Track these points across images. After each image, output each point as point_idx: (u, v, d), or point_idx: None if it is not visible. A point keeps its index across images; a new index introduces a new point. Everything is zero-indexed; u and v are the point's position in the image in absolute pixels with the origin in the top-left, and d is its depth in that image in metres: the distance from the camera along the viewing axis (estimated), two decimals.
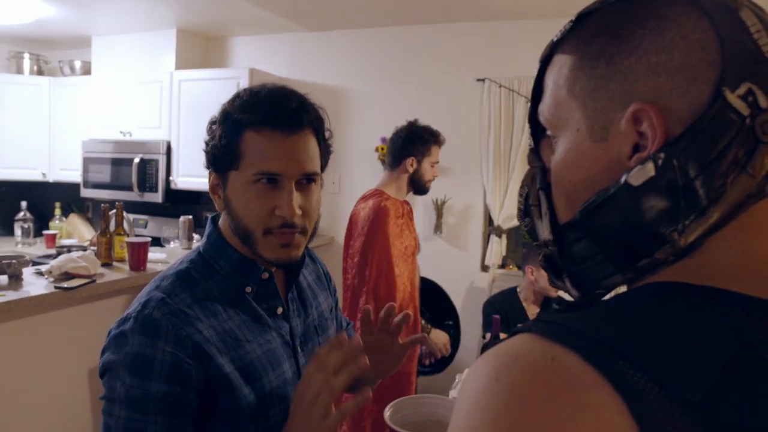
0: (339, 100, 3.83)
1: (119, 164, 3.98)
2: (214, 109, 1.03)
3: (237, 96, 1.00)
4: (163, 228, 4.09)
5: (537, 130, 0.58)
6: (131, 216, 4.15)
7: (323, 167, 1.06)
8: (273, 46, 4.00)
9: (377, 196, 2.38)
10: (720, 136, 0.42)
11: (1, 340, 2.24)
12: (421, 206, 3.59)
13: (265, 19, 3.63)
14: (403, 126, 2.49)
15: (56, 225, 4.36)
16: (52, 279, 2.43)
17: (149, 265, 2.75)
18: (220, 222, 1.07)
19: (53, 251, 3.58)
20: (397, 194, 2.43)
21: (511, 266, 3.57)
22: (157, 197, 3.86)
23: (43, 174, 4.37)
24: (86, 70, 4.31)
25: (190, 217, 3.57)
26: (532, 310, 2.88)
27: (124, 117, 4.02)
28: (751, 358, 0.38)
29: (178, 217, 3.69)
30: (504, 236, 3.41)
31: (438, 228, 3.59)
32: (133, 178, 3.88)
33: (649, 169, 0.44)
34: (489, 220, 3.55)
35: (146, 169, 3.88)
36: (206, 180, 1.06)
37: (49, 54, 4.65)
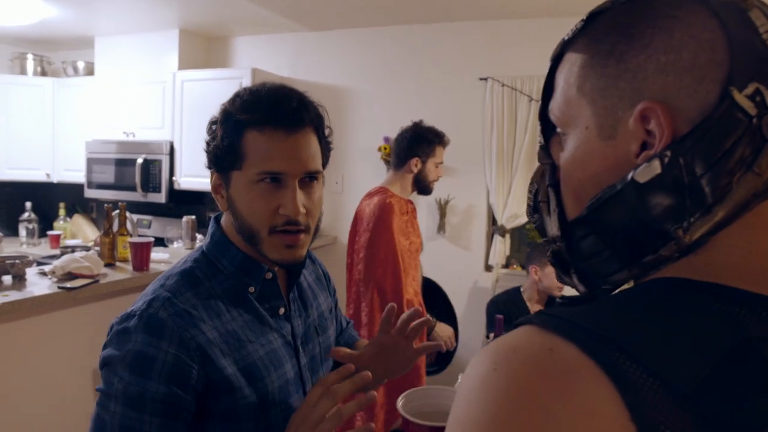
0: (341, 99, 3.82)
1: (123, 165, 3.99)
2: (216, 110, 1.03)
3: (237, 96, 1.00)
4: (166, 228, 4.09)
5: (547, 127, 0.58)
6: (135, 216, 4.16)
7: (324, 165, 1.06)
8: (275, 45, 4.00)
9: (382, 193, 2.42)
10: (727, 135, 0.43)
11: (5, 340, 2.25)
12: (424, 206, 3.58)
13: (267, 19, 3.63)
14: (409, 127, 2.52)
15: (60, 225, 4.37)
16: (55, 279, 2.44)
17: (152, 266, 2.75)
18: (223, 221, 1.07)
19: (57, 251, 3.59)
20: (401, 193, 2.47)
21: (514, 266, 3.56)
22: (161, 197, 3.87)
23: (47, 175, 4.38)
24: (89, 71, 4.32)
25: (193, 217, 3.57)
26: (536, 310, 2.87)
27: (127, 117, 4.03)
28: (749, 354, 0.38)
29: (182, 217, 3.70)
30: (507, 236, 3.40)
31: (441, 228, 3.59)
32: (136, 179, 3.89)
33: (656, 167, 0.45)
34: (492, 220, 3.54)
35: (149, 169, 3.88)
36: (209, 180, 1.06)
37: (52, 55, 4.66)
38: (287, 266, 1.03)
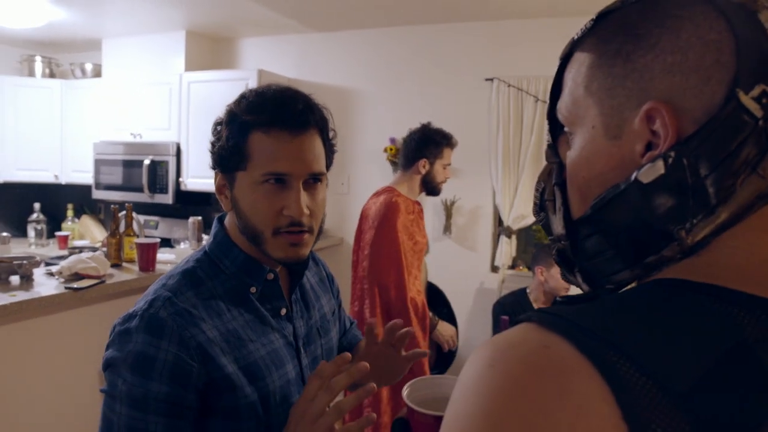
0: (347, 100, 3.83)
1: (130, 166, 4.01)
2: (223, 111, 1.04)
3: (243, 97, 1.01)
4: (173, 229, 4.11)
5: (555, 126, 0.59)
6: (142, 217, 4.18)
7: (328, 167, 1.06)
8: (281, 47, 4.01)
9: (389, 192, 2.45)
10: (732, 136, 0.43)
11: (13, 340, 2.27)
12: (430, 207, 3.58)
13: (273, 20, 3.64)
14: (417, 128, 2.55)
15: (68, 226, 4.40)
16: (62, 279, 2.45)
17: (158, 266, 2.77)
18: (227, 222, 1.07)
19: (65, 252, 3.61)
20: (408, 193, 2.49)
21: (521, 267, 3.55)
22: (168, 198, 3.88)
23: (56, 176, 4.40)
24: (97, 73, 4.35)
25: (200, 218, 3.58)
26: None
27: (135, 119, 4.05)
28: (746, 356, 0.38)
29: (188, 218, 3.71)
30: (514, 237, 3.39)
31: (447, 229, 3.58)
32: (143, 180, 3.90)
33: (659, 167, 0.45)
34: (498, 221, 3.53)
35: (156, 170, 3.90)
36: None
37: (60, 57, 4.70)
38: (290, 265, 1.04)
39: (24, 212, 4.33)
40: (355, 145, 3.81)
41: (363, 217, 2.49)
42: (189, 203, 3.98)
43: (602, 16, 0.52)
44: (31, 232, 4.15)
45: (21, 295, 2.23)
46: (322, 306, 1.19)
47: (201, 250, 1.07)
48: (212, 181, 1.05)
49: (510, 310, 2.85)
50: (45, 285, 2.41)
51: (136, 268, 2.74)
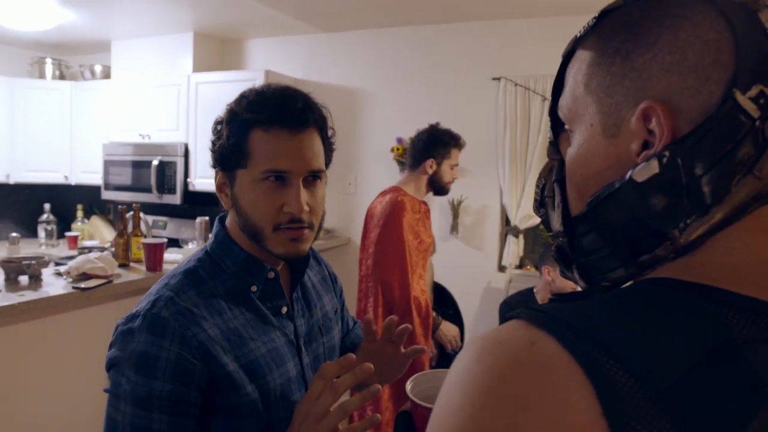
0: (354, 100, 3.83)
1: (139, 167, 4.03)
2: (223, 110, 1.05)
3: (243, 96, 1.02)
4: (181, 229, 4.13)
5: (557, 123, 0.59)
6: (151, 218, 4.21)
7: (327, 164, 1.07)
8: (288, 47, 4.02)
9: (395, 191, 2.45)
10: (728, 137, 0.43)
11: (21, 339, 2.29)
12: (437, 206, 3.57)
13: (280, 21, 3.65)
14: (425, 128, 2.56)
15: (78, 227, 4.43)
16: (70, 279, 2.47)
17: (165, 266, 2.78)
18: (228, 221, 1.08)
19: (75, 252, 3.64)
20: (415, 193, 2.49)
21: (528, 266, 3.54)
22: (176, 199, 3.90)
23: (66, 177, 4.44)
24: (106, 74, 4.38)
25: (207, 218, 3.60)
26: None
27: (143, 120, 4.08)
28: (731, 355, 0.38)
29: (196, 218, 3.73)
30: (521, 236, 3.38)
31: (454, 228, 3.57)
32: (152, 181, 3.93)
33: (654, 167, 0.45)
34: (506, 220, 3.52)
35: (165, 171, 3.92)
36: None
37: (70, 59, 4.74)
38: (291, 260, 1.05)
39: (34, 213, 4.37)
40: (362, 145, 3.81)
41: (369, 216, 2.49)
42: (197, 203, 3.99)
43: (604, 14, 0.52)
44: (41, 233, 4.18)
45: (29, 295, 2.25)
46: (324, 305, 1.20)
47: (202, 250, 1.08)
48: None
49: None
50: (53, 285, 2.43)
51: (143, 268, 2.76)
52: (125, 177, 4.11)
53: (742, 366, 0.38)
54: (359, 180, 3.85)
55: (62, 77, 4.57)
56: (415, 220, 2.42)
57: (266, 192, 0.97)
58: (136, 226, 2.89)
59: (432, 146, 2.48)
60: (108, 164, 4.18)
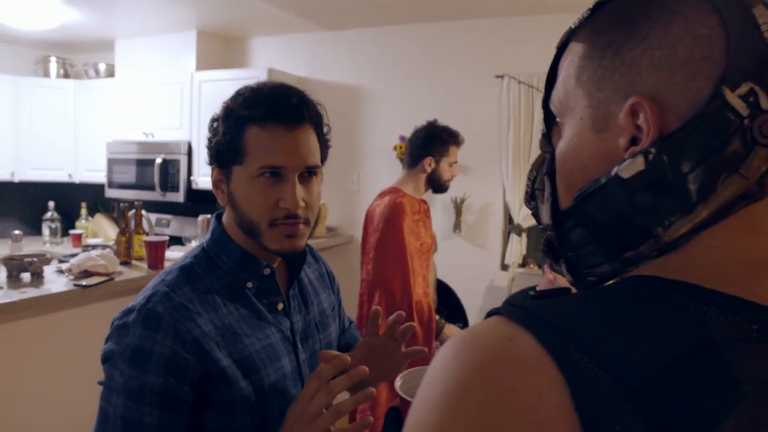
0: (357, 98, 3.82)
1: (142, 165, 4.04)
2: (219, 108, 1.06)
3: (238, 93, 1.03)
4: (184, 227, 4.14)
5: (549, 116, 0.58)
6: (154, 216, 4.22)
7: (323, 161, 1.08)
8: (291, 46, 4.02)
9: (393, 193, 2.40)
10: (715, 135, 0.42)
11: (23, 336, 2.29)
12: (440, 205, 3.57)
13: (283, 19, 3.64)
14: (423, 126, 2.50)
15: (82, 225, 4.45)
16: (72, 277, 2.48)
17: (167, 264, 2.78)
18: (224, 218, 1.09)
19: (79, 250, 3.65)
20: (414, 192, 2.44)
21: (531, 265, 3.52)
22: (179, 197, 3.91)
23: (70, 175, 4.46)
24: (110, 73, 4.40)
25: (209, 216, 3.60)
26: None
27: (147, 118, 4.09)
28: (708, 353, 0.38)
29: (199, 216, 3.74)
30: (524, 235, 3.36)
31: (457, 227, 3.56)
32: (155, 179, 3.93)
33: (639, 163, 0.45)
34: (509, 219, 3.51)
35: (168, 169, 3.93)
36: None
37: (74, 57, 4.75)
38: (287, 256, 1.05)
39: (39, 211, 4.39)
40: (365, 143, 3.81)
41: (368, 218, 2.45)
42: (200, 201, 4.00)
43: (599, 6, 0.51)
44: (45, 231, 4.20)
45: (31, 292, 2.26)
46: (322, 302, 1.20)
47: (199, 247, 1.09)
48: None
49: None
50: (55, 282, 2.43)
51: (145, 265, 2.76)
52: (129, 175, 4.12)
53: (720, 364, 0.38)
54: (362, 178, 3.84)
55: (66, 76, 4.59)
56: (415, 221, 2.38)
57: (262, 188, 0.98)
58: (138, 223, 2.89)
59: (430, 144, 2.43)
60: (112, 162, 4.19)
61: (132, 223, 2.90)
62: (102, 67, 4.44)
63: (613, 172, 0.46)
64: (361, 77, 3.82)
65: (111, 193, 4.24)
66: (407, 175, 2.49)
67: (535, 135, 3.29)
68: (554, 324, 0.40)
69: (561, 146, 0.54)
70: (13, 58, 4.49)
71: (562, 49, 0.55)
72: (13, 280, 2.42)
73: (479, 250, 3.56)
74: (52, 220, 4.21)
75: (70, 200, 4.66)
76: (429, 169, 2.44)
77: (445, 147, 2.45)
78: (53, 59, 4.51)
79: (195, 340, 0.92)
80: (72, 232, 4.04)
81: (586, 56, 0.50)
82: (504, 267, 3.50)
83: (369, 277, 2.35)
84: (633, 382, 0.37)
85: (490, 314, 0.45)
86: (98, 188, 4.41)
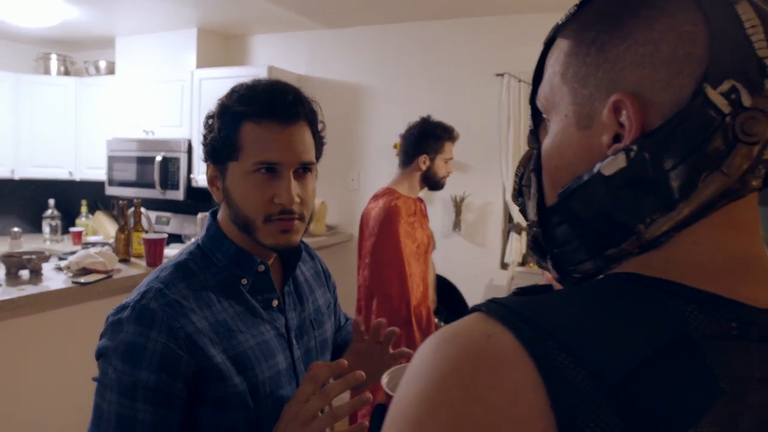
0: (357, 96, 3.82)
1: (143, 162, 4.04)
2: (214, 105, 1.06)
3: (234, 90, 1.03)
4: (184, 225, 4.14)
5: (537, 113, 0.58)
6: (154, 213, 4.22)
7: (318, 157, 1.09)
8: (291, 43, 4.01)
9: (388, 195, 2.36)
10: (697, 132, 0.42)
11: (21, 333, 2.29)
12: (439, 203, 3.56)
13: (284, 17, 3.64)
14: (416, 122, 2.45)
15: (83, 222, 4.46)
16: (70, 274, 2.48)
17: (165, 261, 2.78)
18: (219, 216, 1.10)
19: (79, 248, 3.65)
20: (409, 192, 2.40)
21: (530, 264, 3.51)
22: (179, 195, 3.91)
23: (70, 173, 4.46)
24: (111, 70, 4.39)
25: (208, 213, 3.60)
26: None
27: (147, 116, 4.08)
28: (686, 350, 0.38)
29: (198, 214, 3.74)
30: (524, 234, 3.36)
31: (457, 225, 3.56)
32: (155, 176, 3.93)
33: (621, 161, 0.45)
34: (509, 218, 3.50)
35: (168, 167, 3.92)
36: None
37: (75, 55, 4.75)
38: (282, 251, 1.06)
39: (39, 208, 4.39)
40: (365, 141, 3.80)
41: (363, 221, 2.40)
42: (200, 199, 4.00)
43: (585, 2, 0.51)
44: (45, 228, 4.20)
45: (29, 289, 2.26)
46: (317, 299, 1.20)
47: (194, 243, 1.10)
48: None
49: None
50: (53, 279, 2.43)
51: (144, 263, 2.76)
52: (129, 173, 4.12)
53: (698, 362, 0.38)
54: (362, 176, 3.84)
55: (67, 73, 4.58)
56: (410, 223, 2.33)
57: (257, 184, 0.98)
58: (138, 221, 2.89)
59: (424, 141, 2.37)
60: (112, 160, 4.19)
61: (131, 221, 2.90)
62: (102, 64, 4.44)
63: (595, 169, 0.46)
64: (361, 75, 3.81)
65: (111, 190, 4.24)
66: (402, 175, 2.44)
67: None
68: (533, 321, 0.40)
69: (546, 143, 0.54)
70: (14, 55, 4.49)
71: (549, 45, 0.55)
72: (12, 277, 2.42)
73: (479, 248, 3.56)
74: (52, 217, 4.21)
75: (71, 198, 4.66)
76: (424, 167, 2.38)
77: (440, 143, 2.39)
78: (54, 56, 4.50)
79: (188, 336, 0.92)
80: (72, 229, 4.05)
81: (571, 53, 0.50)
82: (504, 266, 3.50)
83: (366, 283, 2.30)
84: (609, 379, 0.37)
85: (471, 311, 0.45)
86: (98, 186, 4.41)
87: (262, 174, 0.98)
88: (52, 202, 4.24)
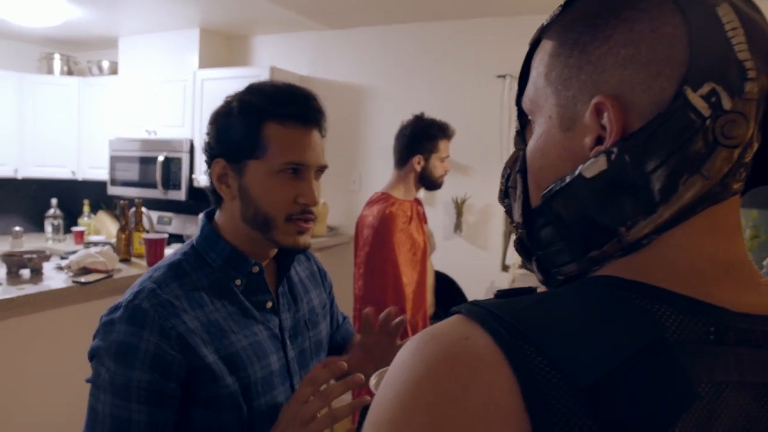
0: (359, 97, 3.82)
1: (145, 162, 4.04)
2: (222, 103, 1.07)
3: (253, 89, 1.04)
4: (186, 225, 4.14)
5: (523, 114, 0.58)
6: (156, 213, 4.22)
7: None
8: (293, 44, 4.01)
9: (383, 201, 2.26)
10: (677, 135, 0.42)
11: (21, 333, 2.30)
12: (440, 205, 3.56)
13: (286, 18, 3.64)
14: (409, 121, 2.33)
15: (85, 222, 4.46)
16: (71, 274, 2.48)
17: (160, 261, 2.78)
18: (217, 216, 1.10)
19: (81, 247, 3.66)
20: (405, 195, 2.31)
21: None
22: (181, 195, 3.91)
23: (73, 172, 4.47)
24: (113, 70, 4.40)
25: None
26: None
27: (150, 116, 4.09)
28: (662, 355, 0.38)
29: (199, 214, 3.74)
30: None
31: (458, 227, 3.55)
32: (157, 176, 3.94)
33: (602, 163, 0.45)
34: (510, 220, 3.49)
35: (170, 167, 3.93)
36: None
37: (78, 55, 4.77)
38: (295, 251, 1.09)
39: (41, 208, 4.40)
40: (367, 143, 3.80)
41: (358, 229, 2.30)
42: (201, 199, 3.99)
43: (569, 4, 0.51)
44: (48, 228, 4.21)
45: (29, 289, 2.26)
46: (312, 299, 1.20)
47: (189, 244, 1.09)
48: None
49: None
50: (54, 279, 2.44)
51: (144, 263, 2.77)
52: (131, 173, 4.12)
53: (674, 365, 0.38)
54: (364, 177, 3.84)
55: (70, 73, 4.60)
56: (406, 231, 2.23)
57: (282, 183, 1.00)
58: (139, 221, 2.90)
59: (417, 141, 2.26)
60: (114, 160, 4.20)
61: (132, 221, 2.90)
62: (105, 64, 4.45)
63: (577, 171, 0.46)
64: (363, 76, 3.81)
65: (113, 190, 4.24)
66: (397, 178, 2.34)
67: None
68: (511, 323, 0.40)
69: (531, 144, 0.54)
70: (17, 55, 4.50)
71: (534, 46, 0.54)
72: (13, 276, 2.42)
73: (480, 250, 3.55)
74: (54, 217, 4.22)
75: (73, 197, 4.67)
76: (419, 168, 2.28)
77: (434, 143, 2.27)
78: (57, 56, 4.52)
79: (180, 336, 0.93)
80: (74, 229, 4.05)
81: (554, 54, 0.50)
82: (505, 268, 3.49)
83: (360, 294, 2.23)
84: (583, 382, 0.37)
85: (451, 313, 0.45)
86: (101, 185, 4.42)
87: (288, 174, 1.00)
88: (54, 201, 4.25)
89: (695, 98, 0.41)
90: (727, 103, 0.41)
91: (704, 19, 0.43)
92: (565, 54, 0.49)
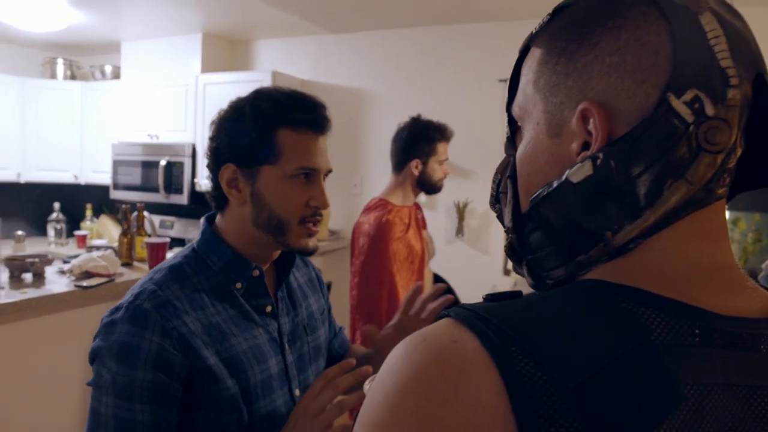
0: (361, 101, 3.83)
1: (147, 167, 4.06)
2: (227, 108, 1.08)
3: (263, 94, 1.06)
4: (188, 229, 4.15)
5: (513, 120, 0.59)
6: (159, 218, 4.23)
7: None
8: (295, 48, 4.03)
9: (380, 208, 2.18)
10: (661, 140, 0.43)
11: (23, 337, 2.30)
12: (442, 209, 3.56)
13: (288, 22, 3.66)
14: (405, 124, 2.25)
15: (87, 226, 4.47)
16: (73, 278, 2.49)
17: (160, 264, 2.78)
18: (218, 220, 1.10)
19: (84, 251, 3.67)
20: (403, 201, 2.24)
21: None
22: (183, 199, 3.92)
23: (75, 176, 4.48)
24: (116, 75, 4.42)
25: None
26: None
27: (152, 120, 4.11)
28: (649, 357, 0.39)
29: (200, 218, 3.74)
30: None
31: (460, 231, 3.55)
32: (159, 181, 3.95)
33: (588, 168, 0.45)
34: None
35: (172, 171, 3.94)
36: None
37: (81, 59, 4.79)
38: (304, 253, 1.10)
39: (44, 212, 4.42)
40: (368, 147, 3.81)
41: (354, 237, 2.23)
42: (204, 204, 4.01)
43: (557, 11, 0.52)
44: (50, 232, 4.23)
45: (31, 293, 2.27)
46: (310, 305, 1.21)
47: (189, 247, 1.10)
48: None
49: None
50: (56, 283, 2.45)
51: (146, 267, 2.77)
52: (134, 177, 4.14)
53: (660, 367, 0.38)
54: (365, 181, 3.84)
55: (73, 77, 4.61)
56: (404, 239, 2.16)
57: (296, 187, 1.03)
58: (141, 225, 2.91)
59: (414, 145, 2.18)
60: (117, 164, 4.21)
61: (134, 225, 2.91)
62: (108, 69, 4.47)
63: (564, 176, 0.47)
64: (364, 80, 3.82)
65: (116, 194, 4.26)
66: (395, 182, 2.26)
67: None
68: (499, 327, 0.41)
69: (520, 150, 0.54)
70: (20, 59, 4.52)
71: (524, 54, 0.55)
72: (15, 280, 2.43)
73: (482, 255, 3.56)
74: (57, 221, 4.24)
75: (76, 201, 4.68)
76: (417, 173, 2.20)
77: (432, 146, 2.19)
78: (60, 61, 4.54)
79: (182, 336, 0.93)
80: (77, 233, 4.06)
81: (543, 61, 0.51)
82: (506, 272, 3.49)
83: (355, 303, 2.16)
84: (570, 383, 0.37)
85: (440, 316, 0.46)
86: (103, 190, 4.43)
87: (301, 179, 1.03)
88: (57, 205, 4.27)
89: (679, 105, 0.42)
90: (710, 110, 0.42)
91: (688, 27, 0.44)
92: (553, 61, 0.50)
